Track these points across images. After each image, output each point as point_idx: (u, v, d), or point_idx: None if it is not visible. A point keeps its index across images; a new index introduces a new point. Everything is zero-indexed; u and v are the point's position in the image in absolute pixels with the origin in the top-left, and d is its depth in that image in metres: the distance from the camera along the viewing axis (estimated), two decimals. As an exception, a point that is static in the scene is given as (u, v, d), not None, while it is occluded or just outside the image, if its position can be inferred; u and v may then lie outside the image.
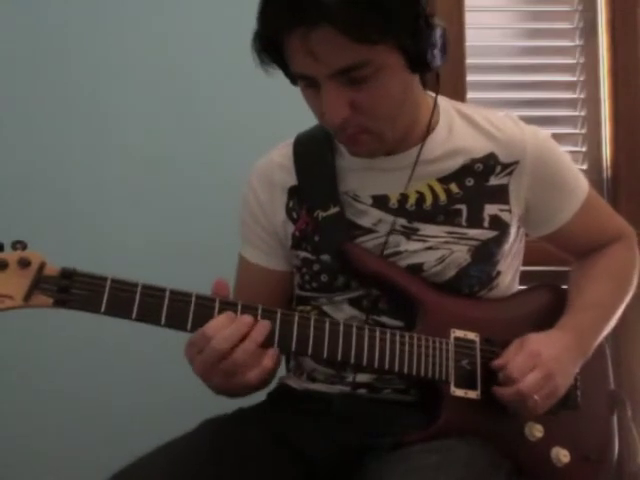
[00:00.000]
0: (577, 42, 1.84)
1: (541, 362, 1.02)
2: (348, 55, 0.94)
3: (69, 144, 1.72)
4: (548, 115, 1.81)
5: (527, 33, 1.89)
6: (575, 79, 1.85)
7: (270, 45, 1.00)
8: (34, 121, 1.72)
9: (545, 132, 1.16)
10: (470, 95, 1.78)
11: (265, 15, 0.98)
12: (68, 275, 0.91)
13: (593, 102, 1.84)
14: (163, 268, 1.66)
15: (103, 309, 0.91)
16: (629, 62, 1.79)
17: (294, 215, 1.17)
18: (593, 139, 1.84)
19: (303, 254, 1.15)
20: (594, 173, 1.81)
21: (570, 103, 1.85)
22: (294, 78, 1.04)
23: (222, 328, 0.92)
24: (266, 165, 1.21)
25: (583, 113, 1.84)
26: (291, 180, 1.17)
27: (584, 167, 1.83)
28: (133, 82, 1.73)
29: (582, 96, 1.84)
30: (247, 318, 0.94)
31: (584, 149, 1.84)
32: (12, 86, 1.71)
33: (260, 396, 1.20)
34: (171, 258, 1.67)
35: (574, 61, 1.85)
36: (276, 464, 1.05)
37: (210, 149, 1.71)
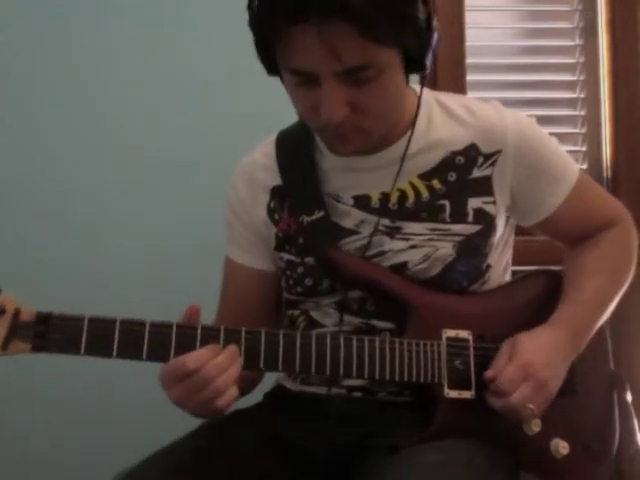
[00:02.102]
0: (577, 42, 1.84)
1: (532, 373, 1.00)
2: (361, 54, 0.92)
3: (69, 144, 1.72)
4: (548, 115, 1.81)
5: (527, 33, 1.89)
6: (575, 79, 1.85)
7: (271, 35, 0.96)
8: (34, 121, 1.71)
9: (528, 117, 1.14)
10: (470, 95, 1.77)
11: (276, 1, 0.93)
12: (44, 319, 0.90)
13: (593, 102, 1.83)
14: (163, 269, 1.67)
15: (82, 351, 0.91)
16: (629, 62, 1.79)
17: (275, 216, 1.16)
18: (593, 139, 1.84)
19: (287, 256, 1.14)
20: (594, 173, 1.81)
21: (570, 103, 1.85)
22: (274, 70, 1.02)
23: (207, 360, 0.91)
24: (249, 165, 1.20)
25: (583, 113, 1.84)
26: (273, 180, 1.16)
27: (584, 167, 1.82)
28: (134, 82, 1.73)
29: (582, 96, 1.84)
30: (233, 351, 0.94)
31: (584, 149, 1.84)
32: (12, 86, 1.71)
33: (257, 396, 1.20)
34: (171, 258, 1.67)
35: (574, 61, 1.85)
36: (274, 465, 1.05)
37: (211, 149, 1.71)
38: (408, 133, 1.09)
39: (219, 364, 0.91)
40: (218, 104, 1.71)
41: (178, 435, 1.06)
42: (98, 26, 1.72)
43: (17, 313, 0.90)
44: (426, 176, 1.10)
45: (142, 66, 1.72)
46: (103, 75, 1.72)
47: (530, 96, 1.85)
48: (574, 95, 1.85)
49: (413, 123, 1.09)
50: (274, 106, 1.64)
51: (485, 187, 1.10)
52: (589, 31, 1.83)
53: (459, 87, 1.74)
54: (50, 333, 0.90)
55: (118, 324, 0.91)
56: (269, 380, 1.22)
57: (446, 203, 1.09)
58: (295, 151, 1.15)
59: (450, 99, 1.14)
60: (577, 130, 1.84)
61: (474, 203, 1.10)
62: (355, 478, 1.03)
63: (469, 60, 1.78)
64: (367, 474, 1.00)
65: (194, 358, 0.91)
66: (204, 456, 1.01)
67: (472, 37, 1.79)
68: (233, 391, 0.92)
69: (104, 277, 1.68)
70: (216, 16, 1.71)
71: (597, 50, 1.83)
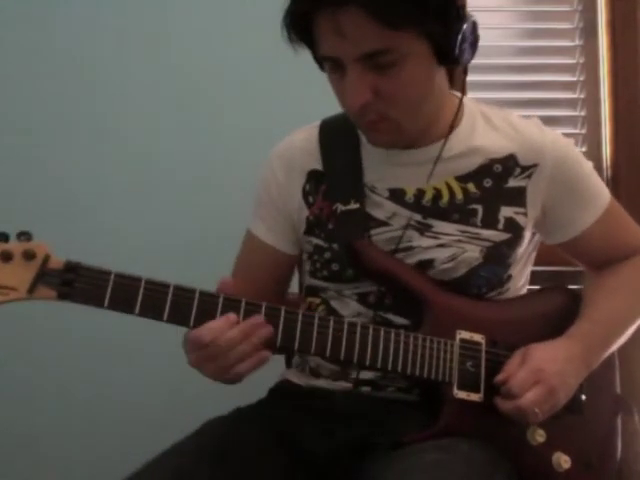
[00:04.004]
0: (577, 42, 1.84)
1: (543, 378, 1.00)
2: (375, 39, 0.94)
3: (70, 142, 1.72)
4: (548, 115, 1.81)
5: (527, 33, 1.90)
6: (575, 79, 1.85)
7: (300, 24, 0.99)
8: (35, 119, 1.72)
9: (567, 139, 1.16)
10: (470, 95, 1.77)
11: None
12: (72, 268, 0.92)
13: (593, 102, 1.84)
14: (163, 264, 1.65)
15: (106, 303, 0.92)
16: (629, 62, 1.79)
17: (310, 199, 1.16)
18: (593, 139, 1.84)
19: (315, 240, 1.15)
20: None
21: (570, 103, 1.85)
22: (321, 62, 1.05)
23: (220, 333, 0.92)
24: (287, 147, 1.21)
25: (583, 113, 1.84)
26: (311, 164, 1.17)
27: (584, 167, 1.83)
28: (134, 81, 1.73)
29: (582, 96, 1.84)
30: (253, 321, 0.95)
31: (584, 149, 1.84)
32: (13, 84, 1.72)
33: (261, 392, 1.20)
34: (171, 255, 1.68)
35: (574, 61, 1.85)
36: (278, 463, 1.05)
37: (210, 147, 1.71)
38: (449, 136, 1.10)
39: (232, 338, 0.93)
40: (218, 102, 1.71)
41: (181, 434, 1.06)
42: (99, 24, 1.73)
43: (46, 259, 0.91)
44: (463, 179, 1.11)
45: (143, 64, 1.73)
46: (104, 73, 1.73)
47: (530, 97, 1.85)
48: (574, 96, 1.85)
49: (452, 122, 1.10)
50: (274, 106, 1.65)
51: (519, 198, 1.11)
52: (589, 32, 1.83)
53: (459, 87, 1.73)
54: (77, 282, 0.91)
55: (143, 283, 0.93)
56: (273, 376, 1.23)
57: (479, 208, 1.10)
58: (339, 139, 1.16)
59: (493, 112, 1.16)
60: (577, 130, 1.84)
61: (506, 212, 1.11)
62: (357, 476, 1.03)
63: (469, 60, 1.78)
64: (369, 472, 1.00)
65: (208, 330, 0.92)
66: (206, 457, 1.01)
67: (472, 37, 1.79)
68: (247, 364, 0.94)
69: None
70: (216, 17, 1.71)
71: (597, 50, 1.83)
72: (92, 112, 1.72)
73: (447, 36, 0.98)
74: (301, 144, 1.19)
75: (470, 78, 1.77)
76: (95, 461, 1.65)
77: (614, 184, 1.80)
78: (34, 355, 1.69)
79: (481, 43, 1.79)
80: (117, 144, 1.73)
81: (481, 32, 1.85)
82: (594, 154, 1.83)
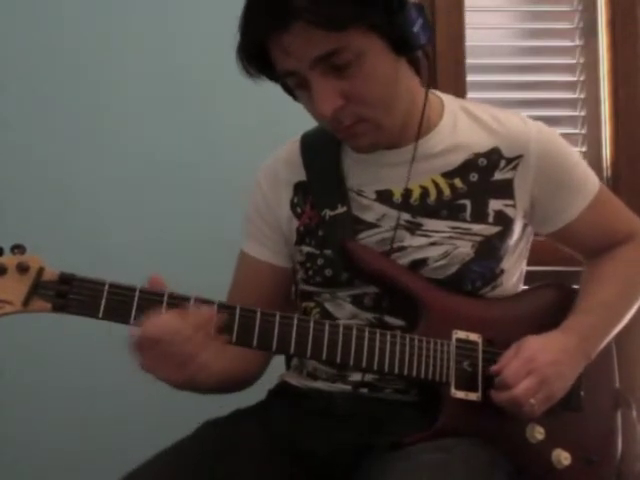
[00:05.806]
0: (577, 42, 1.85)
1: (536, 368, 1.01)
2: (322, 44, 0.95)
3: (69, 144, 1.72)
4: (548, 115, 1.81)
5: (527, 33, 1.90)
6: (575, 79, 1.85)
7: (255, 55, 1.01)
8: (34, 121, 1.72)
9: (551, 129, 1.16)
10: (470, 95, 1.78)
11: (244, 26, 0.99)
12: (66, 280, 0.92)
13: (593, 102, 1.84)
14: (162, 268, 1.66)
15: (101, 314, 0.92)
16: (629, 62, 1.79)
17: (298, 210, 1.17)
18: (593, 139, 1.84)
19: (307, 249, 1.15)
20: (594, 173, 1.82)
21: (570, 103, 1.85)
22: (286, 86, 1.06)
23: (168, 323, 0.89)
24: (272, 162, 1.22)
25: (583, 113, 1.84)
26: (297, 176, 1.17)
27: (584, 167, 1.83)
28: (133, 82, 1.73)
29: (582, 96, 1.84)
30: (204, 312, 0.92)
31: (584, 149, 1.84)
32: (12, 85, 1.71)
33: (261, 394, 1.20)
34: (170, 258, 1.67)
35: (574, 61, 1.85)
36: (276, 464, 1.05)
37: (210, 149, 1.71)
38: (431, 133, 1.11)
39: (182, 328, 0.88)
40: (218, 104, 1.71)
41: (180, 435, 1.07)
42: (99, 25, 1.73)
43: (40, 272, 0.91)
44: (449, 175, 1.11)
45: (143, 66, 1.73)
46: (104, 75, 1.73)
47: (530, 97, 1.85)
48: (574, 95, 1.85)
49: (420, 121, 1.09)
50: (273, 107, 1.65)
51: (506, 190, 1.12)
52: (589, 31, 1.83)
53: (459, 87, 1.74)
54: (71, 294, 0.91)
55: (137, 292, 0.93)
56: (273, 378, 1.23)
57: (467, 203, 1.10)
58: (319, 148, 1.17)
59: (476, 107, 1.16)
60: (577, 130, 1.84)
61: (495, 205, 1.11)
62: (356, 477, 1.03)
63: (469, 60, 1.78)
64: (368, 473, 1.00)
65: (154, 327, 0.88)
66: (205, 458, 1.01)
67: (472, 37, 1.80)
68: (210, 351, 0.90)
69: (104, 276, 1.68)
70: (216, 16, 1.71)
71: (597, 50, 1.83)
72: (92, 113, 1.72)
73: (393, 25, 0.97)
74: (285, 158, 1.20)
75: (470, 78, 1.79)
76: (94, 460, 1.65)
77: (614, 184, 1.80)
78: (33, 353, 1.69)
79: (481, 43, 1.82)
80: (117, 146, 1.72)
81: (481, 32, 1.87)
82: (594, 154, 1.84)
